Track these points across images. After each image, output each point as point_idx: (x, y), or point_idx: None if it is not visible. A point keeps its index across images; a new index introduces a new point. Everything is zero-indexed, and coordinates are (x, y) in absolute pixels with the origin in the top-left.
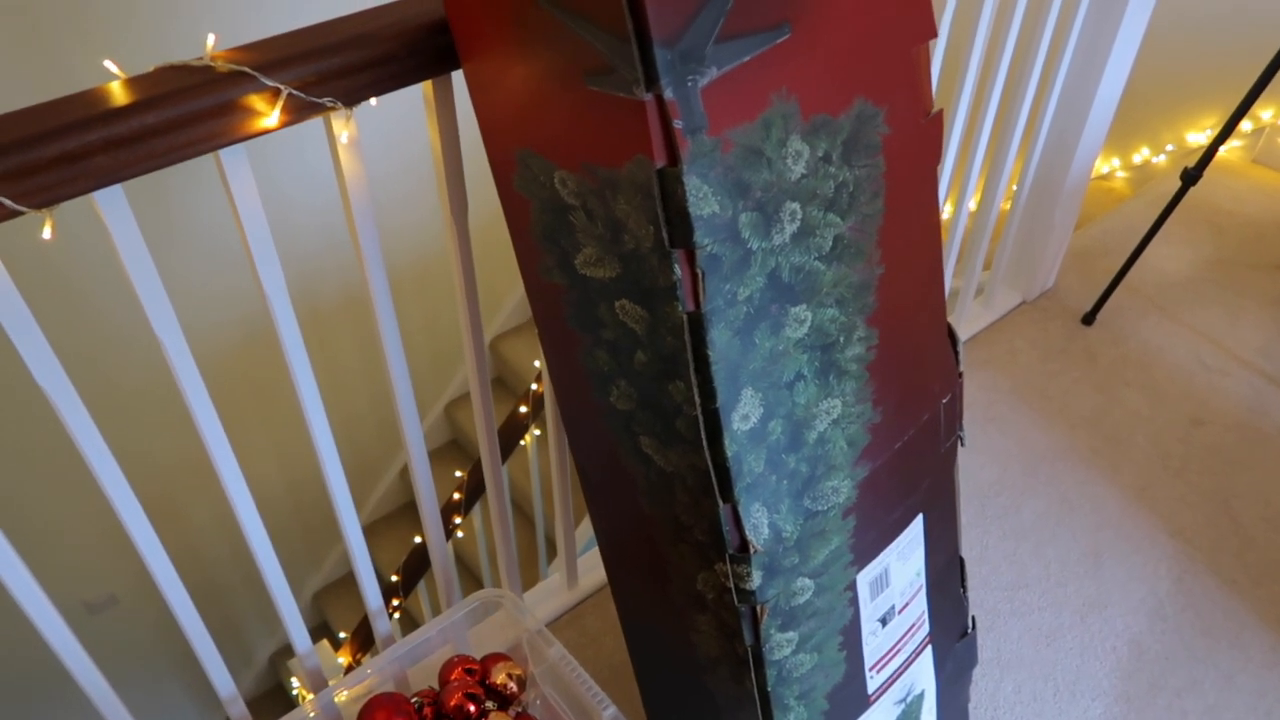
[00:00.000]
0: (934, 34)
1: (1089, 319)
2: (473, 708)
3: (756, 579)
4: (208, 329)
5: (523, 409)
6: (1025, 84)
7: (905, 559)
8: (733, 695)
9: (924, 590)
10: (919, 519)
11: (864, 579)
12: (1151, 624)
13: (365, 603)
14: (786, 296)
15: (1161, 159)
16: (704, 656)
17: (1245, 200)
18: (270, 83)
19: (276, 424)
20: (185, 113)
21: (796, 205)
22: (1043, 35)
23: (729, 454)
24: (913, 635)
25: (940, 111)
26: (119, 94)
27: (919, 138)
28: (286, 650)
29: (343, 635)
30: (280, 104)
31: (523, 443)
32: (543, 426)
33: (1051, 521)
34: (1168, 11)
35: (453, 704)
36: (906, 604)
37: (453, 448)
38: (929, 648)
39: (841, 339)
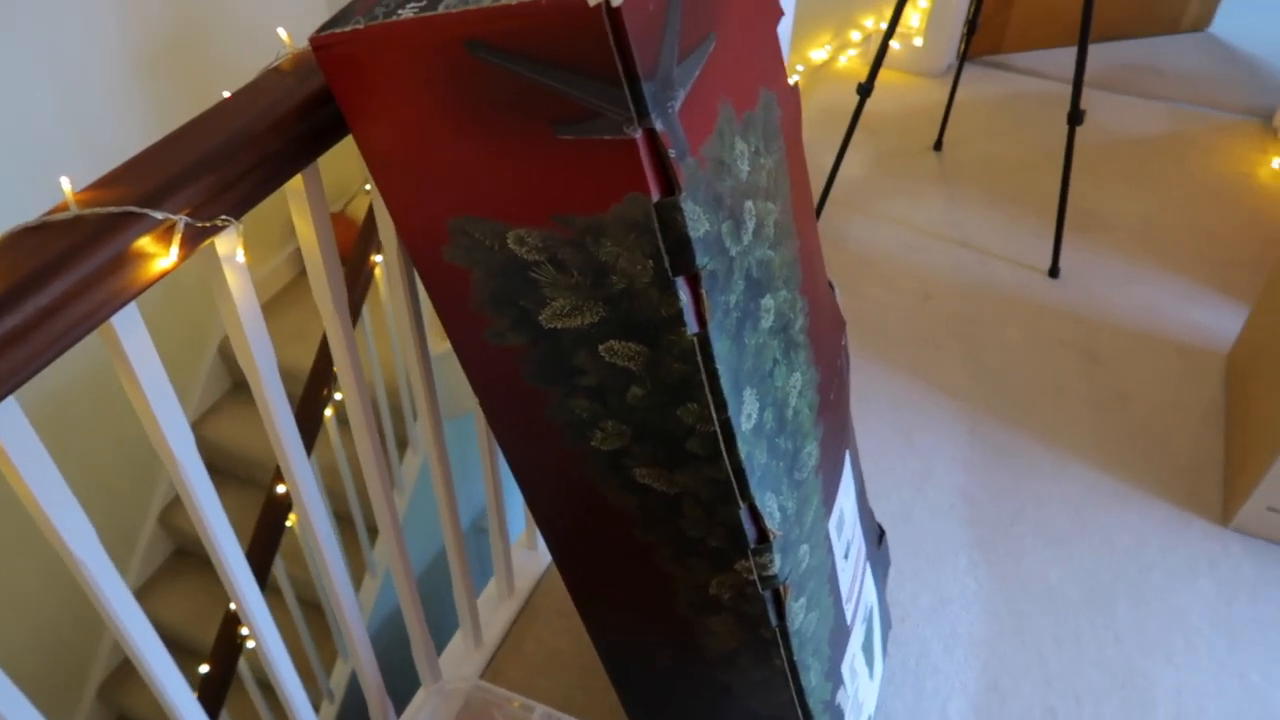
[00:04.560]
0: (783, 12)
1: None
2: None
3: (777, 562)
4: None
5: (280, 488)
6: None
7: (848, 495)
8: (757, 679)
9: (858, 515)
10: (847, 456)
11: (832, 525)
12: (969, 475)
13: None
14: (757, 290)
15: (795, 79)
16: (718, 655)
17: (879, 100)
18: (161, 216)
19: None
20: (78, 281)
21: (751, 203)
22: None
23: (742, 456)
24: (860, 559)
25: (798, 81)
26: None
27: (792, 110)
28: None
29: None
30: (177, 238)
31: (288, 524)
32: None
33: (858, 418)
34: None
35: None
36: (854, 534)
37: (182, 559)
38: (867, 564)
39: (791, 315)
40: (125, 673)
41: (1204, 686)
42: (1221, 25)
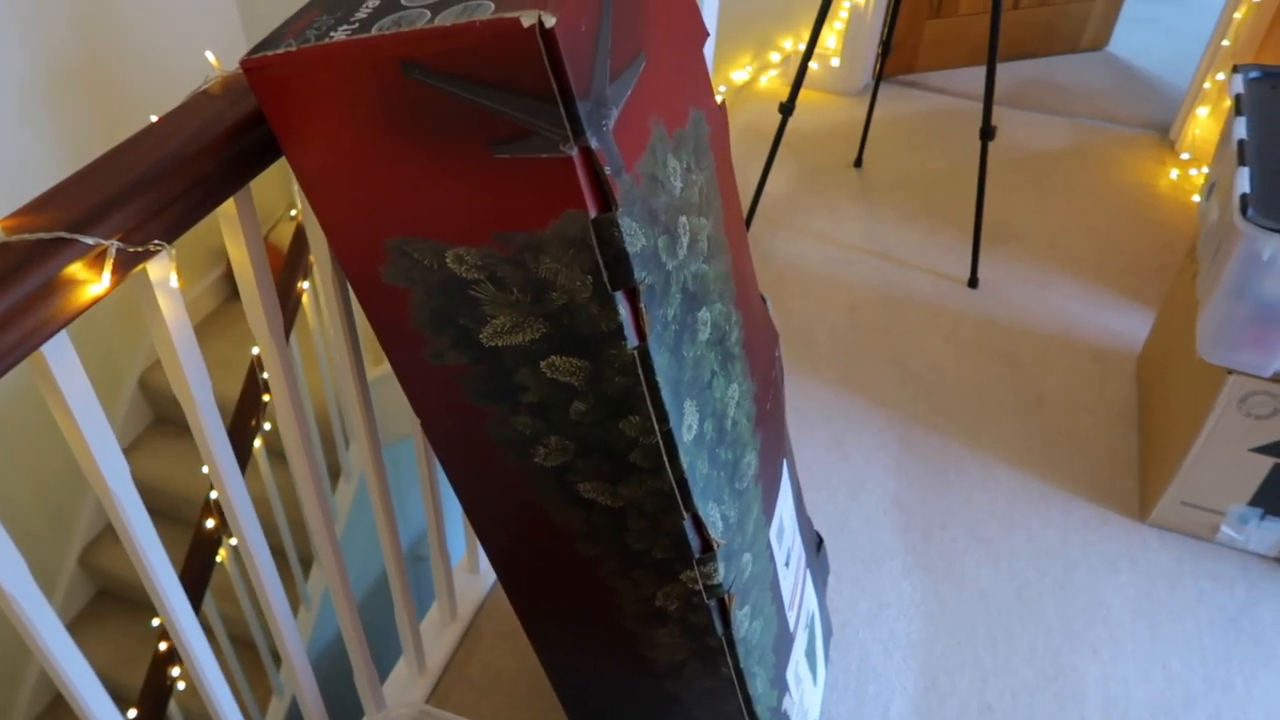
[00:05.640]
0: (708, 34)
1: None
2: None
3: (721, 571)
4: None
5: (209, 523)
6: None
7: (786, 503)
8: (705, 688)
9: (797, 524)
10: (785, 465)
11: (773, 533)
12: (900, 482)
13: None
14: (693, 304)
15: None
16: (665, 666)
17: (799, 119)
18: (92, 241)
19: None
20: (7, 309)
21: (685, 218)
22: None
23: (684, 466)
24: (800, 566)
25: (725, 100)
26: None
27: (720, 128)
28: None
29: None
30: (109, 264)
31: (218, 559)
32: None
33: (791, 429)
34: None
35: None
36: (794, 542)
37: (104, 601)
38: (807, 571)
39: (727, 327)
40: None
41: (1130, 676)
42: (1118, 44)
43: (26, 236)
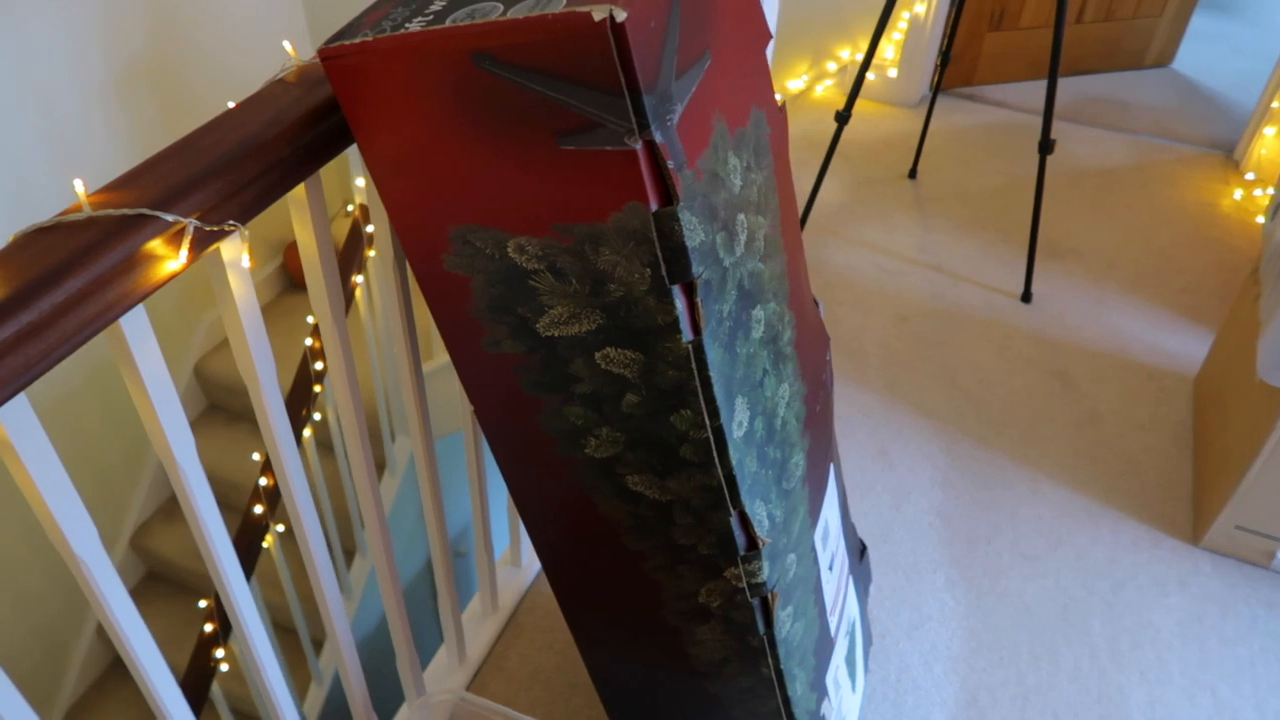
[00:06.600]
0: (770, 36)
1: None
2: None
3: (765, 569)
4: None
5: (257, 509)
6: None
7: (831, 507)
8: (745, 687)
9: (841, 529)
10: (831, 469)
11: (817, 536)
12: (945, 494)
13: None
14: (748, 302)
15: (781, 100)
16: (706, 664)
17: (855, 128)
18: (172, 218)
19: None
20: (91, 280)
21: (743, 216)
22: None
23: (733, 463)
24: (843, 571)
25: (785, 103)
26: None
27: (780, 129)
28: None
29: None
30: (187, 241)
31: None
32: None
33: (838, 436)
34: None
35: None
36: (838, 546)
37: (153, 583)
38: (850, 578)
39: (780, 327)
40: (88, 702)
41: (1177, 701)
42: (1183, 61)
43: (111, 212)
